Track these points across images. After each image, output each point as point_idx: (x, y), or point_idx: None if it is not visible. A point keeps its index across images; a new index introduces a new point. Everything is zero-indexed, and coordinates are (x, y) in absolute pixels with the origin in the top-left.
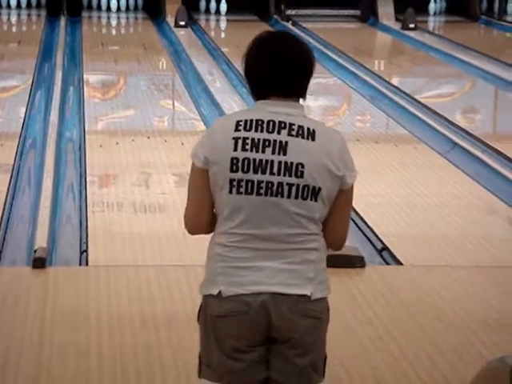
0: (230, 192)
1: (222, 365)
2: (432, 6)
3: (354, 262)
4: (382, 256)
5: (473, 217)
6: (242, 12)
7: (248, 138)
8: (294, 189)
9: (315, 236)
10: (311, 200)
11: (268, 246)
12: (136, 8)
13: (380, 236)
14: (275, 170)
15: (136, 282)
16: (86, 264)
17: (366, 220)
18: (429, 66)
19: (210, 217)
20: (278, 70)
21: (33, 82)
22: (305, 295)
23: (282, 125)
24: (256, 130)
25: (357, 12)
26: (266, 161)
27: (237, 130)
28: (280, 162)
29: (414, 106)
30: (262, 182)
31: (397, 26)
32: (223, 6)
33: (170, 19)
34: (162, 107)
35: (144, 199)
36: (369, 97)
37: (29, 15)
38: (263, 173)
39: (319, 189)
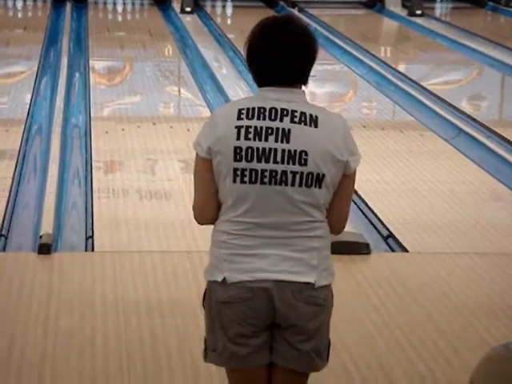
0: (234, 181)
1: (226, 349)
2: None
3: (360, 249)
4: (387, 243)
5: (478, 203)
6: None
7: (251, 127)
8: (298, 177)
9: (319, 223)
10: (315, 187)
11: (272, 234)
12: None
13: (386, 223)
14: (279, 158)
15: (141, 269)
16: (92, 250)
17: (372, 207)
18: (435, 52)
19: (217, 206)
20: (281, 57)
21: (38, 68)
22: (309, 283)
23: (285, 112)
24: (258, 118)
25: None
26: (270, 149)
27: (239, 118)
28: (283, 150)
29: (420, 92)
30: (266, 170)
31: (403, 13)
32: None
33: (176, 5)
34: (168, 93)
35: (150, 185)
36: (375, 83)
37: (34, 1)
38: (267, 161)
39: (323, 175)
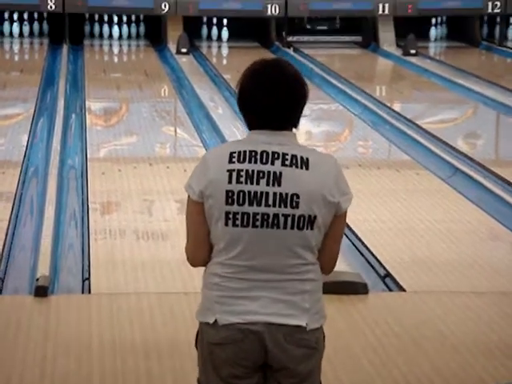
0: (226, 224)
1: None
2: (433, 32)
3: (358, 289)
4: (384, 282)
5: (475, 242)
6: (244, 39)
7: (242, 170)
8: (289, 219)
9: (311, 266)
10: (307, 229)
11: (264, 277)
12: (138, 35)
13: (383, 262)
14: (270, 201)
15: (138, 310)
16: (89, 292)
17: (369, 246)
18: (430, 91)
19: (208, 248)
20: (272, 103)
21: (35, 110)
22: (300, 326)
23: (276, 155)
24: (250, 162)
25: (358, 38)
26: (261, 192)
27: (230, 161)
28: (275, 194)
29: (415, 131)
30: (258, 213)
31: (398, 52)
32: (225, 33)
33: (172, 46)
34: (164, 134)
35: (146, 226)
36: (370, 122)
37: (31, 44)
38: (258, 205)
39: (315, 217)
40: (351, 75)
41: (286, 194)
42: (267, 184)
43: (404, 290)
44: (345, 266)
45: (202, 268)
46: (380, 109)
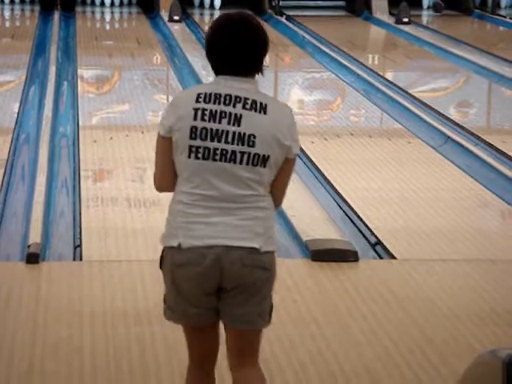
0: (189, 157)
1: (179, 308)
2: (426, 0)
3: (348, 256)
4: (375, 250)
5: (465, 210)
6: (236, 7)
7: (207, 110)
8: (245, 156)
9: (263, 197)
10: (261, 166)
11: (221, 205)
12: (130, 3)
13: (373, 230)
14: (230, 139)
15: (130, 277)
16: (80, 259)
17: (360, 214)
18: (422, 60)
19: (173, 176)
20: (235, 47)
21: (26, 77)
22: (254, 248)
23: (238, 99)
24: (214, 103)
25: (341, 3)
26: (222, 131)
27: (197, 101)
28: (234, 133)
29: (407, 100)
30: (218, 149)
31: (390, 20)
32: (217, 1)
33: (164, 13)
34: (156, 102)
35: (138, 194)
36: (363, 91)
37: (22, 10)
38: (219, 141)
39: (268, 156)
40: (343, 44)
41: (244, 134)
42: (228, 123)
43: (394, 258)
44: (335, 233)
45: None
46: (372, 77)
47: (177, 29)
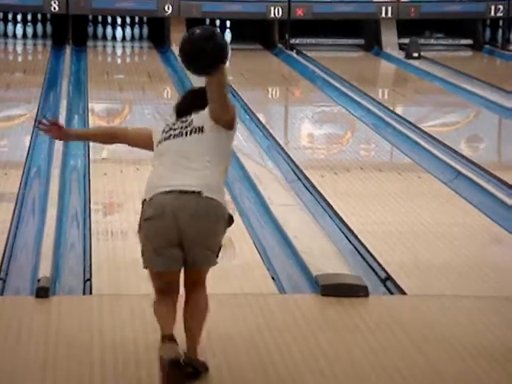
0: (160, 144)
1: (150, 256)
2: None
3: (358, 291)
4: (385, 285)
5: (477, 246)
6: (247, 41)
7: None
8: (188, 130)
9: (208, 163)
10: (199, 133)
11: (177, 167)
12: (141, 37)
13: (384, 265)
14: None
15: (140, 311)
16: (90, 293)
17: (370, 249)
18: (432, 95)
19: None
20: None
21: (38, 110)
22: (211, 197)
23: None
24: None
25: (361, 41)
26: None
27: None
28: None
29: (417, 134)
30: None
31: (400, 55)
32: (228, 35)
33: (175, 48)
34: None
35: None
36: (372, 125)
37: (34, 45)
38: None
39: (202, 127)
40: (354, 78)
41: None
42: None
43: (405, 293)
44: (345, 268)
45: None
46: (382, 112)
47: None
